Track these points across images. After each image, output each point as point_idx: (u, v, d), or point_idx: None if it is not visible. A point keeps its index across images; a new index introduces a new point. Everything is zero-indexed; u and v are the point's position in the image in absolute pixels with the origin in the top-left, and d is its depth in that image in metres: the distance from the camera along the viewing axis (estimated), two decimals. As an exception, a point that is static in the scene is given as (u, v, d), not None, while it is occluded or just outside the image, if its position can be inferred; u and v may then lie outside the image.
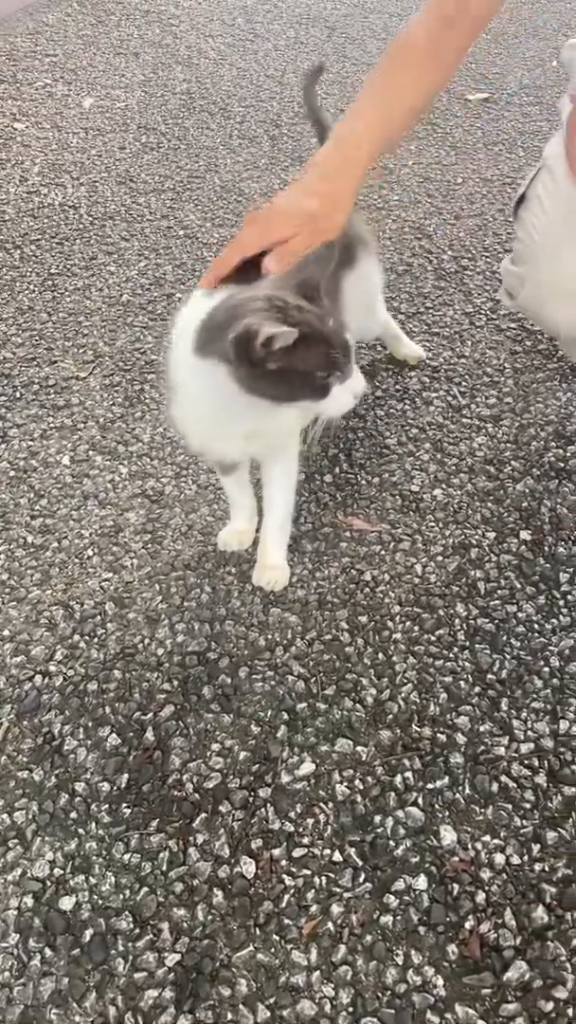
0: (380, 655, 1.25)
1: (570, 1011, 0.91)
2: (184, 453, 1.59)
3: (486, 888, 1.00)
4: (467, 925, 0.97)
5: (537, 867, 1.02)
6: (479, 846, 1.04)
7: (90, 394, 1.77)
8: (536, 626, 1.28)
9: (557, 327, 1.57)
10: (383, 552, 1.41)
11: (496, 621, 1.29)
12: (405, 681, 1.21)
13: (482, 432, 1.63)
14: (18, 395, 1.77)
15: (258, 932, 0.97)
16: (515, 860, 1.03)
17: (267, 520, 1.33)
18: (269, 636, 1.28)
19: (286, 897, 0.99)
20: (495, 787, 1.09)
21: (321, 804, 1.08)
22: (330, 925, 0.97)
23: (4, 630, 1.30)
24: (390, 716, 1.17)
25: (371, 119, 1.15)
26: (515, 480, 1.52)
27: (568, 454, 1.57)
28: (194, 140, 2.78)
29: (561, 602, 1.32)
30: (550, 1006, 0.91)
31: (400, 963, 0.94)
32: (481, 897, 1.00)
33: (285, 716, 1.17)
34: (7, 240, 2.30)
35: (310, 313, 0.99)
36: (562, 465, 1.55)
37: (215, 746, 1.14)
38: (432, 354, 1.83)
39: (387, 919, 0.98)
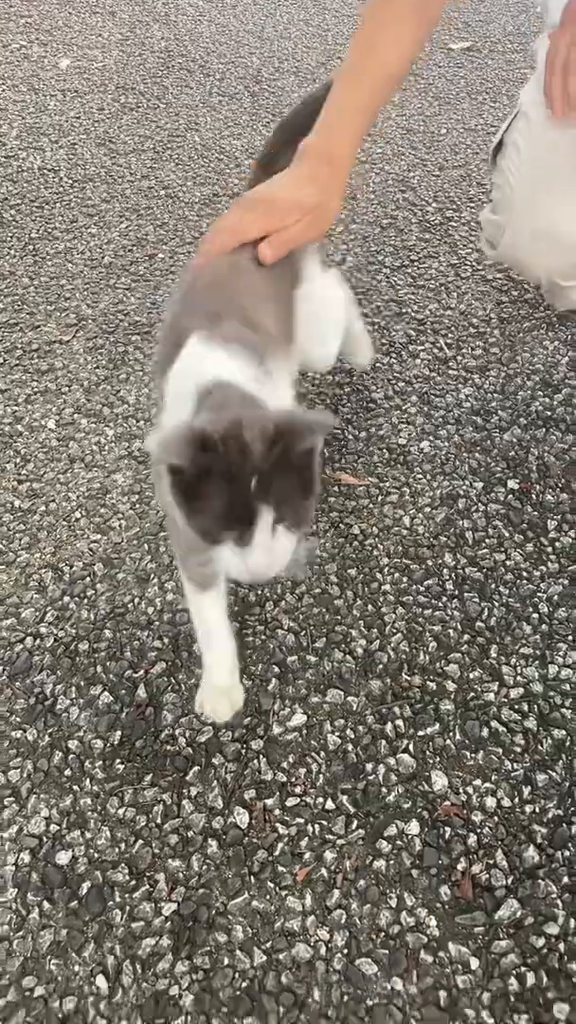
0: (369, 607, 1.25)
1: (561, 946, 0.92)
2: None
3: (477, 831, 1.01)
4: (459, 867, 0.98)
5: (528, 809, 1.03)
6: (470, 790, 1.05)
7: (74, 357, 1.76)
8: (524, 573, 1.28)
9: (538, 274, 1.56)
10: (371, 506, 1.40)
11: (484, 570, 1.29)
12: (394, 631, 1.22)
13: (469, 383, 1.62)
14: (1, 360, 1.76)
15: (253, 880, 0.98)
16: (506, 803, 1.04)
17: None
18: (258, 592, 1.28)
19: (280, 845, 1.00)
20: (485, 732, 1.10)
21: (313, 754, 1.08)
22: (324, 871, 0.98)
23: (-6, 595, 1.30)
24: (380, 666, 1.18)
25: (354, 100, 1.14)
26: (502, 430, 1.52)
27: (555, 402, 1.57)
28: (173, 99, 2.74)
29: (549, 549, 1.32)
30: (541, 942, 0.92)
31: (393, 905, 0.95)
32: (473, 840, 1.01)
33: (276, 669, 1.17)
34: (-14, 205, 2.27)
35: (243, 458, 0.81)
36: (549, 414, 1.55)
37: (207, 701, 1.15)
38: (418, 307, 1.82)
39: (380, 863, 0.99)
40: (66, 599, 1.29)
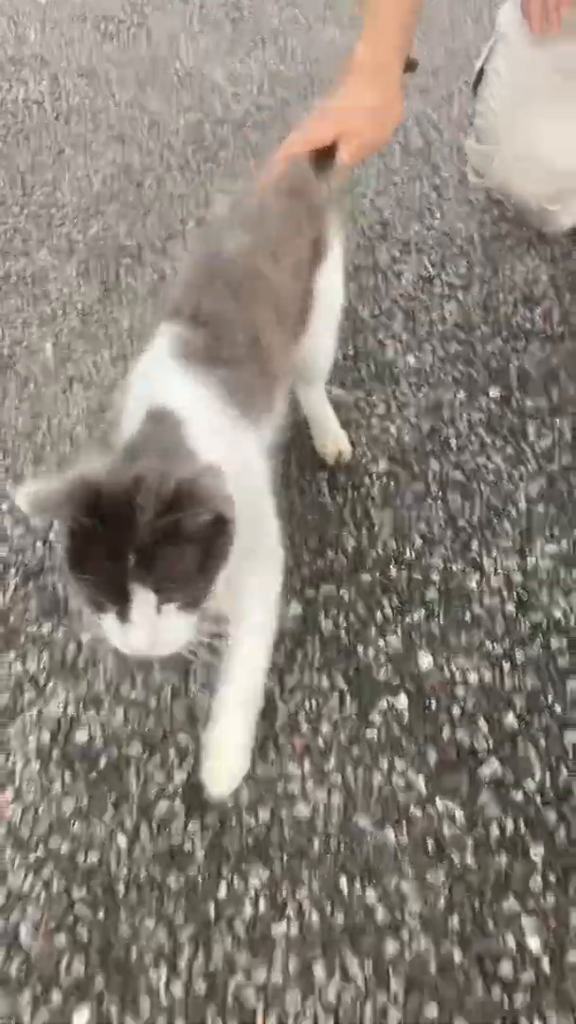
0: (359, 509, 1.33)
1: (538, 798, 1.01)
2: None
3: (461, 703, 1.10)
4: (444, 734, 1.07)
5: (507, 682, 1.12)
6: (454, 668, 1.14)
7: (67, 283, 1.80)
8: (505, 475, 1.36)
9: (527, 199, 1.60)
10: (360, 418, 1.47)
11: (467, 472, 1.37)
12: (382, 530, 1.30)
13: (452, 300, 1.68)
14: (-3, 288, 1.80)
15: (255, 750, 1.06)
16: (487, 678, 1.13)
17: (224, 692, 0.98)
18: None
19: (280, 719, 1.09)
20: (468, 617, 1.19)
21: (309, 639, 1.17)
22: (320, 742, 1.07)
23: (3, 504, 1.37)
24: (370, 562, 1.26)
25: (395, 7, 1.19)
26: (484, 342, 1.58)
27: (535, 316, 1.63)
28: (154, 27, 2.72)
29: (528, 452, 1.39)
30: (520, 796, 1.02)
31: (385, 769, 1.05)
32: (456, 710, 1.10)
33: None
34: (-28, 137, 2.28)
35: (125, 529, 0.75)
36: (529, 326, 1.61)
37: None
38: (402, 228, 1.86)
39: (372, 733, 1.08)
40: (71, 508, 1.36)
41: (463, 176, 1.94)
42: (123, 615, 0.76)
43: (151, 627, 0.76)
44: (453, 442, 1.42)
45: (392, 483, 1.36)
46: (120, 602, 0.75)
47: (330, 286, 1.23)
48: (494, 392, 1.49)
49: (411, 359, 1.56)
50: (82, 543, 0.76)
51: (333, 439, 1.38)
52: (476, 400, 1.48)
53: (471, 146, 1.62)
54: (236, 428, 0.93)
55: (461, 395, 1.49)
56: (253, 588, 0.96)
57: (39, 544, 1.30)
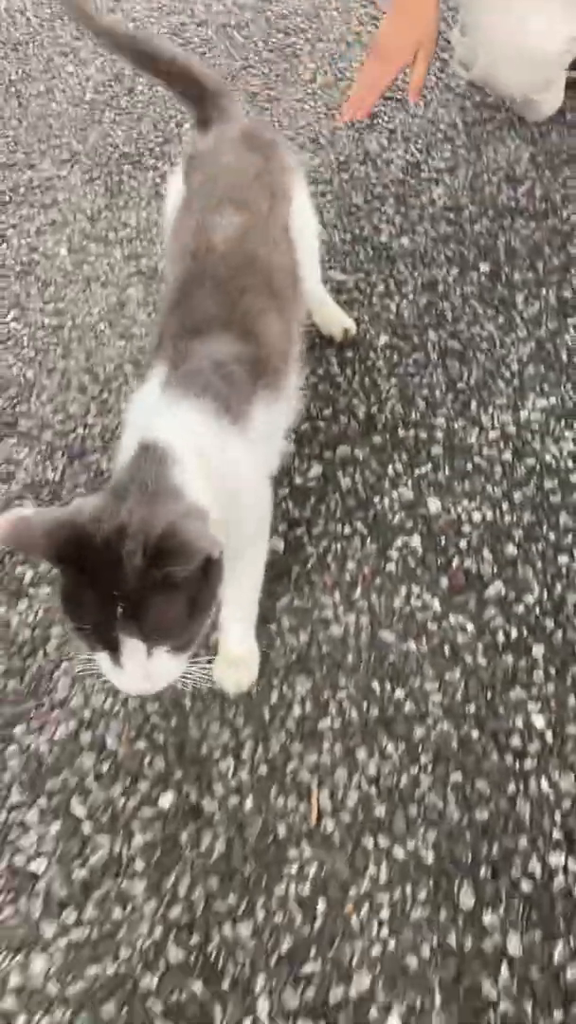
0: (367, 380, 1.46)
1: (537, 609, 1.18)
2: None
3: (467, 538, 1.26)
4: (453, 564, 1.23)
5: (507, 519, 1.28)
6: (460, 509, 1.29)
7: (73, 190, 1.90)
8: (498, 341, 1.49)
9: (512, 92, 1.68)
10: (361, 297, 1.59)
11: (463, 341, 1.50)
12: (389, 397, 1.43)
13: (440, 183, 1.78)
14: (7, 199, 1.89)
15: (291, 587, 1.23)
16: (489, 517, 1.28)
17: (226, 611, 1.09)
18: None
19: (310, 561, 1.25)
20: (470, 467, 1.34)
21: (330, 494, 1.32)
22: (347, 576, 1.23)
23: (43, 395, 1.50)
24: (379, 425, 1.40)
25: None
26: (472, 221, 1.69)
27: (518, 194, 1.73)
28: None
29: (518, 319, 1.52)
30: (521, 608, 1.18)
31: (403, 594, 1.21)
32: (463, 544, 1.25)
33: (292, 435, 1.39)
34: (-39, 51, 2.33)
35: (112, 576, 0.75)
36: (513, 204, 1.71)
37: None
38: (388, 118, 1.95)
39: (391, 567, 1.24)
40: (104, 395, 1.49)
41: (444, 64, 2.01)
42: (115, 659, 0.78)
43: (142, 671, 0.78)
44: (448, 314, 1.54)
45: (395, 355, 1.49)
46: (111, 648, 0.77)
47: (302, 233, 1.23)
48: (484, 267, 1.61)
49: (405, 241, 1.68)
50: (73, 587, 0.77)
51: (338, 321, 1.48)
52: (468, 275, 1.60)
53: (456, 39, 1.70)
54: (231, 445, 0.92)
55: (454, 272, 1.61)
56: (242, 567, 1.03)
57: (80, 429, 1.44)
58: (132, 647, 0.76)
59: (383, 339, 1.51)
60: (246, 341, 1.00)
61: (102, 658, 0.79)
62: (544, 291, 1.56)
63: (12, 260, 1.75)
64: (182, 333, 0.98)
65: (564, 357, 1.46)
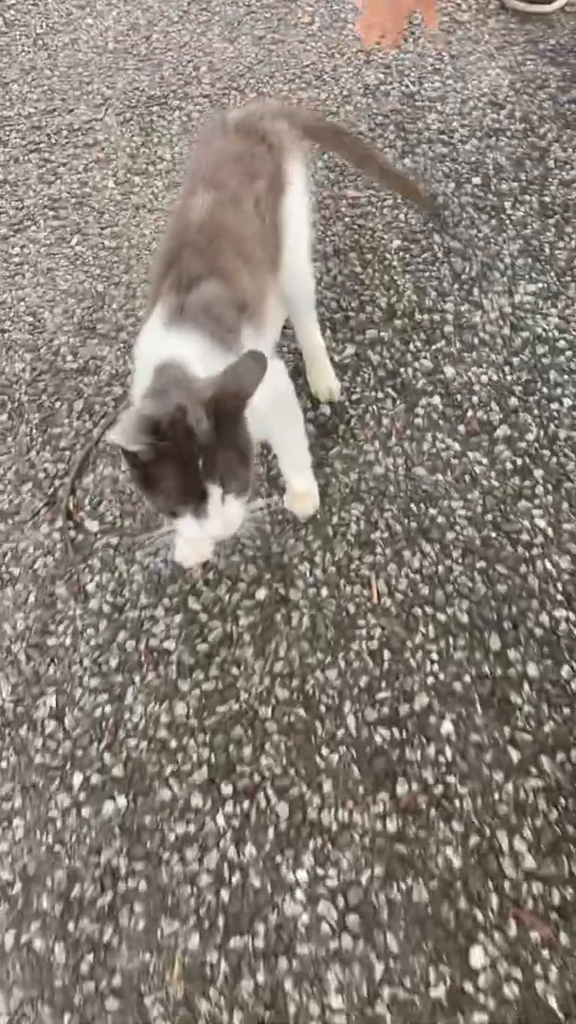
0: (385, 277, 1.76)
1: (536, 445, 1.50)
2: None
3: (477, 394, 1.57)
4: (468, 414, 1.55)
5: (508, 378, 1.59)
6: (470, 374, 1.60)
7: (110, 131, 2.16)
8: (491, 240, 1.79)
9: None
10: (373, 209, 1.88)
11: (463, 241, 1.80)
12: (405, 289, 1.73)
13: (433, 111, 2.06)
14: (53, 141, 2.15)
15: (339, 440, 1.53)
16: (494, 377, 1.59)
17: (282, 462, 1.40)
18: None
19: (352, 420, 1.56)
20: (476, 340, 1.64)
21: (363, 368, 1.62)
22: (383, 429, 1.54)
23: (113, 304, 1.79)
24: (399, 311, 1.70)
25: None
26: (463, 142, 1.98)
27: (501, 117, 2.02)
28: None
29: (507, 222, 1.82)
30: (523, 444, 1.50)
31: (430, 440, 1.52)
32: (475, 399, 1.57)
33: (327, 324, 1.69)
34: (-11, 8, 2.56)
35: (190, 442, 0.96)
36: (497, 126, 2.00)
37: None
38: (382, 55, 2.22)
39: (418, 420, 1.55)
40: (166, 300, 1.78)
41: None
42: (198, 512, 0.99)
43: (222, 517, 1.00)
44: (449, 220, 1.84)
45: (407, 255, 1.79)
46: (197, 500, 0.98)
47: (294, 216, 1.37)
48: (476, 180, 1.90)
49: (407, 161, 1.96)
50: (153, 466, 0.97)
51: (325, 380, 1.56)
52: (463, 187, 1.89)
53: None
54: (227, 356, 1.07)
55: (451, 185, 1.90)
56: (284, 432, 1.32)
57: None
58: (214, 494, 0.98)
59: (396, 243, 1.81)
60: (227, 286, 1.16)
61: (185, 520, 1.01)
62: (528, 197, 1.86)
63: (67, 194, 2.02)
64: (175, 286, 1.15)
65: (547, 251, 1.76)
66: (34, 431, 1.60)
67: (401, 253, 1.79)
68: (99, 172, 2.06)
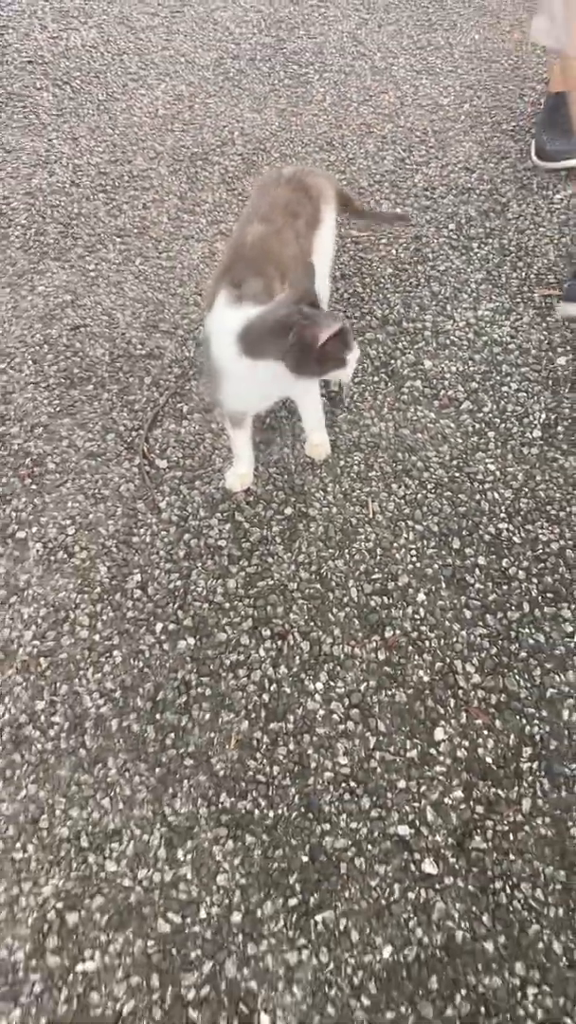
0: (380, 295, 2.31)
1: (491, 415, 2.04)
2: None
3: (448, 380, 2.12)
4: (440, 393, 2.09)
5: (472, 369, 2.13)
6: (443, 365, 2.14)
7: (163, 179, 2.72)
8: (461, 270, 2.35)
9: None
10: (371, 245, 2.44)
11: (439, 271, 2.35)
12: (395, 304, 2.28)
13: (419, 172, 2.64)
14: (116, 184, 2.71)
15: (345, 409, 2.06)
16: (461, 368, 2.14)
17: (304, 421, 1.91)
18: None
19: (355, 396, 2.09)
20: (448, 342, 2.19)
21: (363, 359, 2.16)
22: (378, 403, 2.08)
23: (170, 309, 2.33)
24: (390, 320, 2.24)
25: None
26: (442, 197, 2.55)
27: (472, 179, 2.60)
28: (169, -20, 3.55)
29: (475, 257, 2.38)
30: (480, 414, 2.04)
31: (413, 411, 2.05)
32: (446, 383, 2.11)
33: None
34: (57, 79, 3.14)
35: (327, 315, 1.46)
36: (470, 186, 2.58)
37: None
38: (380, 128, 2.81)
39: (404, 397, 2.08)
40: (212, 307, 2.32)
41: (418, 75, 2.88)
42: (354, 349, 1.55)
43: (356, 356, 1.58)
44: (430, 255, 2.40)
45: (397, 279, 2.35)
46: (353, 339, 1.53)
47: (322, 245, 1.84)
48: (451, 226, 2.47)
49: (398, 211, 2.54)
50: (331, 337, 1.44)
51: (319, 438, 1.94)
52: (441, 231, 2.46)
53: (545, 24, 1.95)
54: None
55: (432, 229, 2.47)
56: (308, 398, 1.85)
57: (198, 330, 2.27)
58: (356, 347, 1.54)
59: (388, 270, 2.37)
60: (267, 287, 1.58)
61: (348, 358, 1.55)
62: (491, 240, 2.43)
63: (130, 225, 2.58)
64: (232, 283, 1.58)
65: (503, 279, 2.32)
66: (114, 398, 2.12)
67: (393, 278, 2.35)
68: (156, 209, 2.61)
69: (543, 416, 1.99)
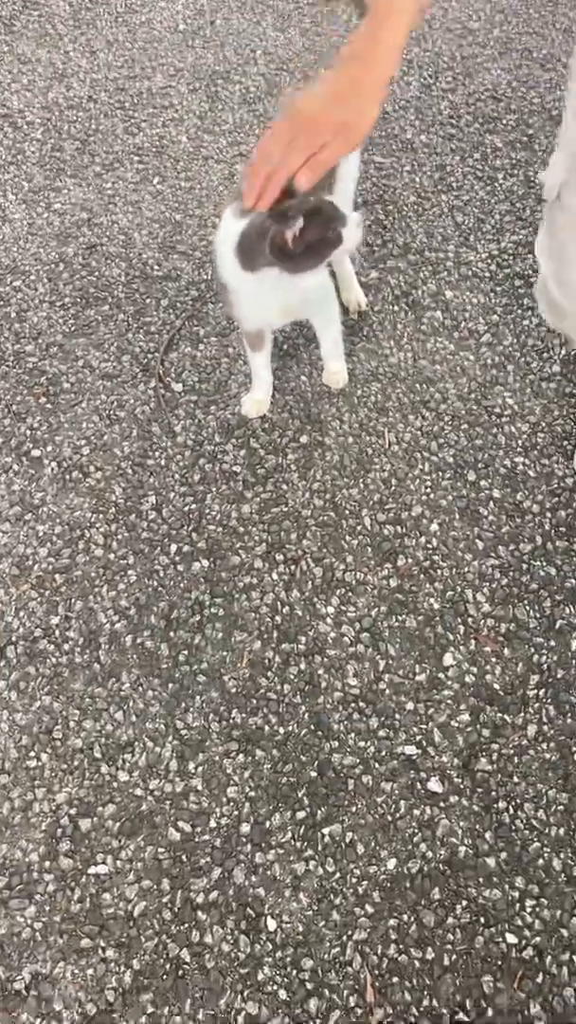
0: (402, 223, 2.28)
1: (511, 348, 2.02)
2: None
3: (469, 311, 2.09)
4: (461, 325, 2.07)
5: (493, 302, 2.11)
6: (464, 297, 2.12)
7: (182, 97, 2.66)
8: (485, 202, 2.31)
9: None
10: (395, 173, 2.40)
11: (463, 202, 2.31)
12: (418, 233, 2.24)
13: (445, 99, 2.58)
14: (134, 101, 2.65)
15: (363, 339, 2.05)
16: (482, 301, 2.11)
17: (323, 348, 1.87)
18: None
19: (374, 325, 2.07)
20: (470, 273, 2.16)
21: (383, 288, 2.13)
22: (398, 333, 2.06)
23: (188, 231, 2.29)
24: (412, 249, 2.21)
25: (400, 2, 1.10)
26: (468, 126, 2.50)
27: (499, 108, 2.54)
28: None
29: (499, 189, 2.34)
30: (500, 347, 2.03)
31: (432, 342, 2.04)
32: (467, 315, 2.09)
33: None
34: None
35: (303, 199, 1.25)
36: (496, 115, 2.52)
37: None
38: (405, 51, 2.73)
39: (424, 328, 2.06)
40: (231, 230, 2.28)
41: (444, 11, 2.79)
42: (344, 220, 1.43)
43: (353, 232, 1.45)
44: (453, 185, 2.36)
45: (420, 208, 2.31)
46: (340, 211, 1.42)
47: (348, 165, 1.69)
48: (476, 155, 2.42)
49: (423, 137, 2.48)
50: (309, 222, 1.34)
51: (354, 295, 2.03)
52: (466, 160, 2.41)
53: (548, 288, 1.52)
54: None
55: (456, 159, 2.42)
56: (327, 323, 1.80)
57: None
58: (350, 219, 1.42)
59: (412, 199, 2.33)
60: None
61: (344, 233, 1.42)
62: (516, 172, 2.38)
63: (148, 144, 2.52)
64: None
65: (527, 212, 2.29)
66: (130, 319, 2.10)
67: (415, 206, 2.31)
68: (175, 128, 2.56)
69: (563, 351, 1.97)
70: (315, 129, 1.11)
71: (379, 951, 1.26)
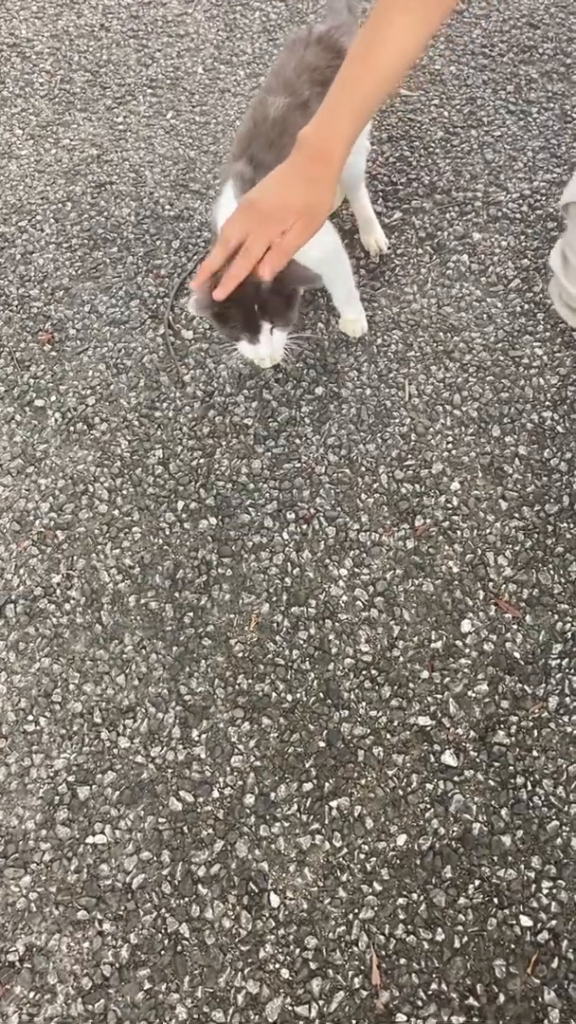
0: (429, 159, 2.14)
1: (540, 296, 1.90)
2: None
3: (498, 256, 1.97)
4: (489, 270, 1.95)
5: (524, 245, 1.98)
6: (492, 240, 1.99)
7: (199, 25, 2.51)
8: (518, 137, 2.17)
9: None
10: (421, 106, 2.25)
11: (494, 137, 2.17)
12: (445, 171, 2.11)
13: (477, 26, 2.42)
14: (148, 29, 2.51)
15: (385, 283, 1.93)
16: (512, 243, 1.98)
17: (336, 299, 1.76)
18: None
19: (396, 269, 1.96)
20: (500, 214, 2.03)
21: (407, 230, 2.01)
22: (421, 277, 1.94)
23: (203, 168, 2.17)
24: (439, 188, 2.08)
25: (356, 94, 1.15)
26: (502, 55, 2.33)
27: (536, 36, 2.38)
28: None
29: (533, 124, 2.19)
30: (530, 295, 1.91)
31: (457, 288, 1.92)
32: (495, 259, 1.96)
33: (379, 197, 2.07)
34: None
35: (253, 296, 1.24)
36: (532, 44, 2.36)
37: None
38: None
39: (449, 272, 1.94)
40: (247, 168, 2.16)
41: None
42: (252, 340, 1.32)
43: (268, 342, 1.33)
44: (484, 119, 2.22)
45: (448, 144, 2.17)
46: (253, 332, 1.30)
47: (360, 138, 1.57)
48: (510, 87, 2.27)
49: (453, 68, 2.33)
50: (225, 313, 1.28)
51: (375, 237, 1.94)
52: (499, 92, 2.26)
53: (562, 282, 1.43)
54: None
55: (488, 91, 2.27)
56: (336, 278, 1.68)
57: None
58: (265, 329, 1.30)
59: (439, 134, 2.19)
60: None
61: (243, 344, 1.35)
62: (552, 105, 2.23)
63: (162, 76, 2.39)
64: (248, 164, 1.42)
65: (563, 150, 2.14)
66: (139, 262, 2.00)
67: (443, 142, 2.17)
68: (190, 59, 2.42)
69: (597, 299, 1.85)
70: (272, 216, 1.12)
71: (386, 931, 1.21)
